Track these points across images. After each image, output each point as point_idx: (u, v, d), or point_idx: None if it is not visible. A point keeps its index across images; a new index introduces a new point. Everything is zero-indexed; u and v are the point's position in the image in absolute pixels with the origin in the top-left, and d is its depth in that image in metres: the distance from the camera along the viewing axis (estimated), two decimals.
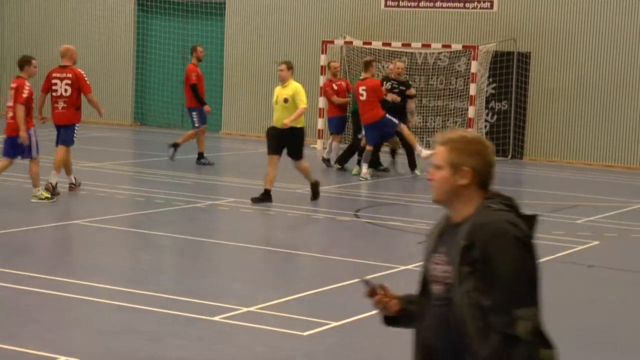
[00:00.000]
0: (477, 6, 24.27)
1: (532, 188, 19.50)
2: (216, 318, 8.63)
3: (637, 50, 22.74)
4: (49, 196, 14.42)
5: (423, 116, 24.71)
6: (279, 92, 15.38)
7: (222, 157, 22.52)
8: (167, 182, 16.74)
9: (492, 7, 24.14)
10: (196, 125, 19.73)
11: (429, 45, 23.98)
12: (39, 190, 14.39)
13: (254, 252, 12.03)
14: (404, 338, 8.46)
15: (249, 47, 26.72)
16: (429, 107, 24.55)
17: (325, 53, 24.53)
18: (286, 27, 26.27)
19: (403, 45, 24.26)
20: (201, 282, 10.36)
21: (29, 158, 14.39)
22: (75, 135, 15.38)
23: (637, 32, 22.76)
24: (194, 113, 19.84)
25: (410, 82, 21.39)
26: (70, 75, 15.25)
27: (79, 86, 15.23)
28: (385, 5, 25.28)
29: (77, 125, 15.42)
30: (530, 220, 4.05)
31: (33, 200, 14.31)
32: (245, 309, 8.94)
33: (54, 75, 15.35)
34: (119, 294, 9.38)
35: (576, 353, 8.31)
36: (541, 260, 12.07)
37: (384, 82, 19.64)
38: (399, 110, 19.28)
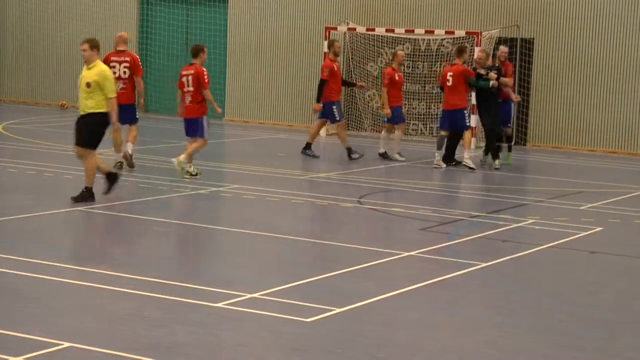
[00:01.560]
0: None
1: (535, 174, 19.48)
2: (220, 304, 8.64)
3: (637, 34, 22.70)
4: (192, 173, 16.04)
5: (427, 102, 24.68)
6: (83, 75, 13.59)
7: (226, 144, 22.51)
8: (169, 169, 16.74)
9: None
10: (337, 118, 19.60)
11: (432, 32, 23.94)
12: (190, 166, 16.08)
13: (257, 239, 12.04)
14: (409, 324, 8.48)
15: (252, 34, 26.68)
16: (433, 93, 24.51)
17: (328, 39, 24.49)
18: (289, 13, 26.23)
19: (406, 31, 24.22)
20: (205, 269, 10.37)
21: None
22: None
23: (638, 17, 22.71)
24: (333, 107, 19.54)
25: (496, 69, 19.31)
26: (128, 59, 16.81)
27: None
28: None
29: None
30: None
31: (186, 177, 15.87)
32: (249, 295, 8.95)
33: (112, 58, 16.79)
34: (122, 281, 9.39)
35: (579, 336, 8.32)
36: (545, 246, 12.09)
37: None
38: (493, 98, 18.93)
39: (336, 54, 19.75)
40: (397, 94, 19.79)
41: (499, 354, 7.79)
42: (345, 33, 25.09)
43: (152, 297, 8.86)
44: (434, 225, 13.11)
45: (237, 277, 9.85)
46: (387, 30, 24.33)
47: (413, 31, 24.14)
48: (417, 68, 24.76)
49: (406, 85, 24.50)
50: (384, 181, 17.21)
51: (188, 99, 16.06)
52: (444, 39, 24.28)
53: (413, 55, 24.60)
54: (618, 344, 8.31)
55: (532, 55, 23.74)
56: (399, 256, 11.01)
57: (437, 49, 24.50)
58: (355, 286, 9.48)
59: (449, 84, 18.64)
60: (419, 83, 24.78)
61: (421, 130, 24.76)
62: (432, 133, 24.33)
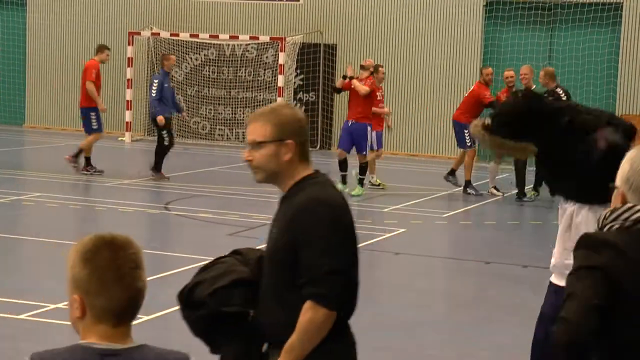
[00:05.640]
0: None
1: (338, 177, 19.80)
2: (22, 316, 8.39)
3: (437, 44, 23.43)
4: None
5: (232, 107, 24.74)
6: None
7: (26, 152, 21.89)
8: None
9: None
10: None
11: (236, 37, 24.01)
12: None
13: (61, 248, 11.75)
14: None
15: (53, 38, 26.06)
16: (238, 98, 24.59)
17: (132, 44, 24.20)
18: (91, 18, 25.76)
19: (211, 36, 24.20)
20: (6, 280, 10.04)
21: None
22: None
23: (435, 26, 23.44)
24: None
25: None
26: None
27: None
28: None
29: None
30: None
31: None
32: (52, 306, 8.73)
33: None
34: None
35: (383, 337, 8.51)
36: None
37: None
38: None
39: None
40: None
41: None
42: (149, 38, 24.84)
43: None
44: (242, 230, 13.14)
45: (39, 288, 9.58)
46: (191, 36, 24.24)
47: (217, 37, 24.14)
48: (222, 73, 24.77)
49: (211, 91, 24.51)
50: (191, 187, 17.12)
51: None
52: (249, 44, 24.39)
53: (218, 60, 24.60)
54: (419, 343, 8.54)
55: (335, 60, 24.15)
56: (206, 262, 10.95)
57: (242, 54, 24.58)
58: (162, 293, 9.39)
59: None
60: (225, 88, 24.80)
61: (227, 135, 24.78)
62: (238, 138, 24.38)
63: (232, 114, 24.71)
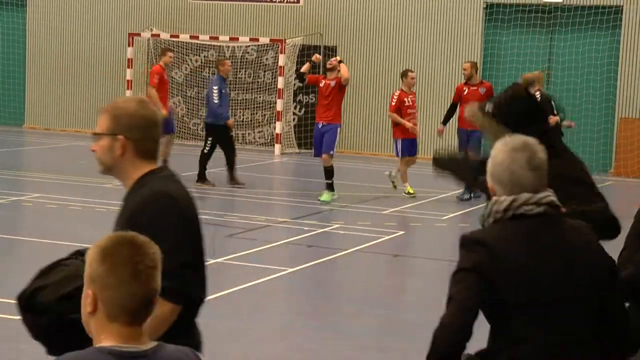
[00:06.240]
0: (283, 0, 24.45)
1: (339, 180, 19.78)
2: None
3: (437, 47, 23.43)
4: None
5: (232, 109, 24.71)
6: None
7: (26, 152, 21.90)
8: None
9: (298, 1, 24.38)
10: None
11: (236, 39, 24.01)
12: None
13: (60, 249, 11.74)
14: (214, 333, 8.45)
15: (53, 39, 26.07)
16: (238, 100, 24.58)
17: (132, 46, 24.21)
18: (91, 19, 25.77)
19: (211, 38, 24.20)
20: (6, 281, 10.04)
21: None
22: None
23: (436, 28, 23.45)
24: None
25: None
26: None
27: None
28: None
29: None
30: None
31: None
32: None
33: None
34: None
35: (382, 338, 8.51)
36: (350, 250, 12.28)
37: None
38: None
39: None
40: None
41: (305, 358, 7.87)
42: (149, 39, 24.84)
43: None
44: (241, 232, 13.14)
45: None
46: (191, 37, 24.25)
47: (217, 38, 24.14)
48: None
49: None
50: (190, 188, 17.09)
51: None
52: (249, 45, 24.39)
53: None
54: (419, 346, 8.54)
55: None
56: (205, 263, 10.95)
57: (241, 55, 24.58)
58: None
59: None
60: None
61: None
62: (238, 140, 24.39)
63: (232, 115, 24.67)
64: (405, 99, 17.00)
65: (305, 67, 16.91)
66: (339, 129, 16.40)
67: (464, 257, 3.75)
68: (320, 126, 16.37)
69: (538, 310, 3.68)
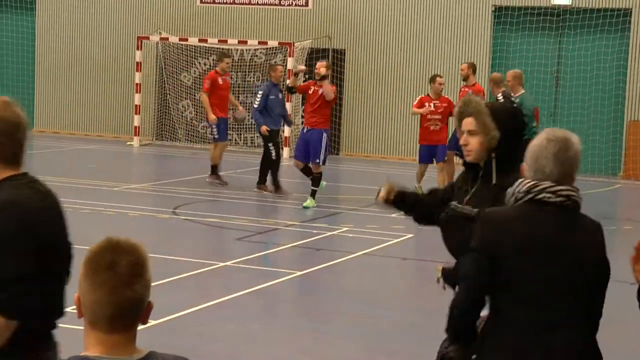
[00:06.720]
0: (292, 3, 24.47)
1: (348, 183, 19.79)
2: None
3: (445, 49, 23.42)
4: None
5: None
6: None
7: (35, 155, 21.93)
8: None
9: (307, 4, 24.39)
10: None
11: (245, 42, 24.03)
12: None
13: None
14: (224, 335, 8.45)
15: (62, 42, 26.12)
16: (246, 103, 24.57)
17: (141, 49, 24.25)
18: (100, 22, 25.82)
19: (219, 41, 24.22)
20: None
21: None
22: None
23: (444, 31, 23.44)
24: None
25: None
26: None
27: None
28: (201, 2, 25.19)
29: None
30: None
31: None
32: None
33: None
34: None
35: (391, 341, 8.49)
36: (358, 253, 12.22)
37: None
38: None
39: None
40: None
41: None
42: (157, 43, 24.88)
43: None
44: (250, 235, 13.14)
45: None
46: (200, 40, 24.27)
47: (226, 41, 24.16)
48: (231, 78, 24.75)
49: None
50: (199, 192, 17.13)
51: None
52: (257, 49, 24.41)
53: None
54: (428, 349, 8.53)
55: (344, 66, 24.15)
56: (214, 266, 10.96)
57: (250, 59, 24.60)
58: (169, 298, 9.38)
59: None
60: (233, 93, 24.76)
61: (235, 139, 24.80)
62: (246, 143, 24.39)
63: (249, 119, 24.68)
64: (427, 103, 16.79)
65: (291, 81, 16.72)
66: (325, 135, 15.96)
67: (475, 234, 3.95)
68: (305, 131, 16.15)
69: (523, 291, 3.84)
